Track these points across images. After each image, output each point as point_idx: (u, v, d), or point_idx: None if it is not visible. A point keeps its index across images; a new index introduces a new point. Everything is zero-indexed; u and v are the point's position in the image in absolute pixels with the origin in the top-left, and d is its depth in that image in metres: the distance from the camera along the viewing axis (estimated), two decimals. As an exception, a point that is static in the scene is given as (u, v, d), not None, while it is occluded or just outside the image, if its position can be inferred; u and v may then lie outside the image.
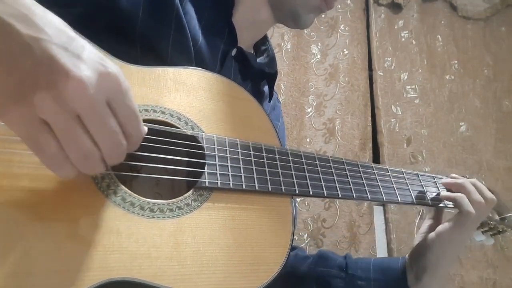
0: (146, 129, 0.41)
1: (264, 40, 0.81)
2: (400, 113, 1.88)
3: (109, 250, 0.40)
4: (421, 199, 0.70)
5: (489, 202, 0.69)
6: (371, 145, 1.77)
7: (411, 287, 0.72)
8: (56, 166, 0.35)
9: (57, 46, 0.32)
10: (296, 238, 1.53)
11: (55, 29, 0.33)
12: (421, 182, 0.72)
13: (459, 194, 0.69)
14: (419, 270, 0.71)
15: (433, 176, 0.74)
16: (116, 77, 0.36)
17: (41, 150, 0.34)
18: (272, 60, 0.78)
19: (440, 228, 0.70)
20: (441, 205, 0.72)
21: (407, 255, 0.75)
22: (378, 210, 1.72)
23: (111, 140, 0.36)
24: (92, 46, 0.37)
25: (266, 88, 0.78)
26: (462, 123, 1.95)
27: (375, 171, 0.67)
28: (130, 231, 0.42)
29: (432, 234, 0.70)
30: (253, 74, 0.73)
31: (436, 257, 0.69)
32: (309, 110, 1.76)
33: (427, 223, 0.75)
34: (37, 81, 0.32)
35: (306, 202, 1.60)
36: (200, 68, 0.59)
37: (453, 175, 0.75)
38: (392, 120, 1.86)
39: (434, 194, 0.72)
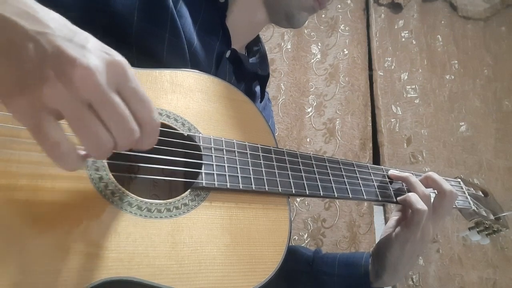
0: (159, 117, 0.40)
1: (257, 40, 0.81)
2: (400, 113, 1.88)
3: (108, 249, 0.41)
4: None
5: (448, 195, 0.66)
6: (371, 145, 1.77)
7: (373, 284, 0.70)
8: (58, 156, 0.35)
9: (62, 38, 0.33)
10: (296, 238, 1.53)
11: (58, 23, 0.34)
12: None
13: (409, 194, 0.65)
14: (379, 268, 0.70)
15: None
16: (122, 64, 0.36)
17: (44, 139, 0.34)
18: (264, 62, 0.78)
19: (399, 227, 0.67)
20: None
21: (371, 250, 0.74)
22: (378, 210, 1.72)
23: (124, 126, 0.36)
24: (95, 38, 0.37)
25: (257, 88, 0.79)
26: (462, 123, 1.95)
27: (370, 171, 0.67)
28: (128, 231, 0.43)
29: (393, 233, 0.68)
30: (247, 75, 0.74)
31: (395, 257, 0.67)
32: (309, 110, 1.76)
33: (394, 216, 0.72)
34: (45, 72, 0.33)
35: (306, 202, 1.60)
36: (197, 70, 0.60)
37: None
38: (392, 120, 1.86)
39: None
